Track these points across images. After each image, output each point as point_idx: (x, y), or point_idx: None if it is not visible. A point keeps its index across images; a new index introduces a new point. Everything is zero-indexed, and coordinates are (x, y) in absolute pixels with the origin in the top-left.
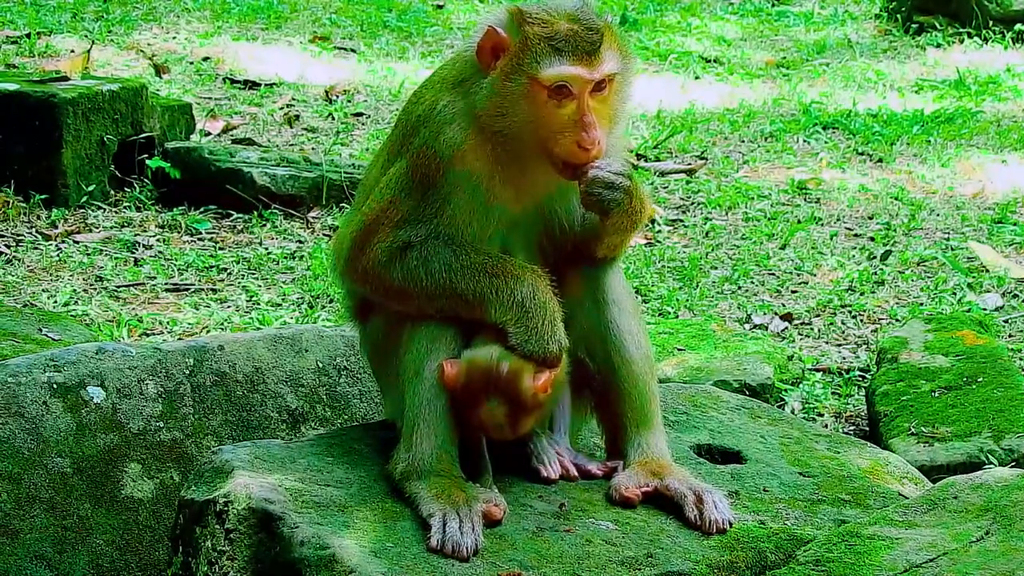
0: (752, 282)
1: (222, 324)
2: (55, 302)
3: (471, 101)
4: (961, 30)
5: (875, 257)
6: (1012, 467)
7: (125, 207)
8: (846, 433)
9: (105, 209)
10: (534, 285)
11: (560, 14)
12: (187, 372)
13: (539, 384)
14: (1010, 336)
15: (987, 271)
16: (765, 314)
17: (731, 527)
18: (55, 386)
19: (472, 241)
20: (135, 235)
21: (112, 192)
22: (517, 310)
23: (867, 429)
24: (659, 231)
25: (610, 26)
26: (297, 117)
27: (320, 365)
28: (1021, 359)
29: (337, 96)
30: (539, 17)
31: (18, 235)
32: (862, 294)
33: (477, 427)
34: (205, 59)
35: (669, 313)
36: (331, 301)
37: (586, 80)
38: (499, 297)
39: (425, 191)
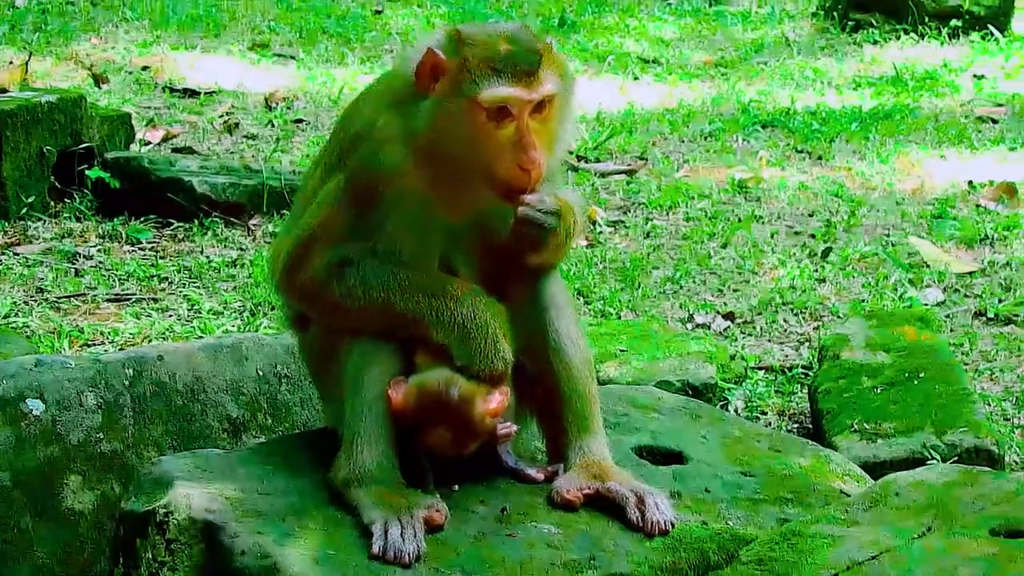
0: (694, 281)
1: (164, 333)
2: None
3: (409, 123)
4: (897, 26)
5: (816, 254)
6: (954, 462)
7: (65, 218)
8: (789, 431)
9: (45, 220)
10: (474, 305)
11: (499, 36)
12: (126, 383)
13: (491, 408)
14: (951, 331)
15: (928, 266)
16: (707, 313)
17: (673, 528)
18: None
19: (411, 257)
20: (76, 246)
21: (52, 203)
22: (459, 332)
23: (810, 427)
24: (600, 232)
25: (549, 47)
26: (237, 125)
27: (261, 373)
28: (963, 354)
29: (277, 103)
30: (478, 39)
31: None
32: (804, 292)
33: (423, 445)
34: (144, 68)
35: (611, 314)
36: (273, 308)
37: (525, 101)
38: (439, 319)
39: (363, 207)
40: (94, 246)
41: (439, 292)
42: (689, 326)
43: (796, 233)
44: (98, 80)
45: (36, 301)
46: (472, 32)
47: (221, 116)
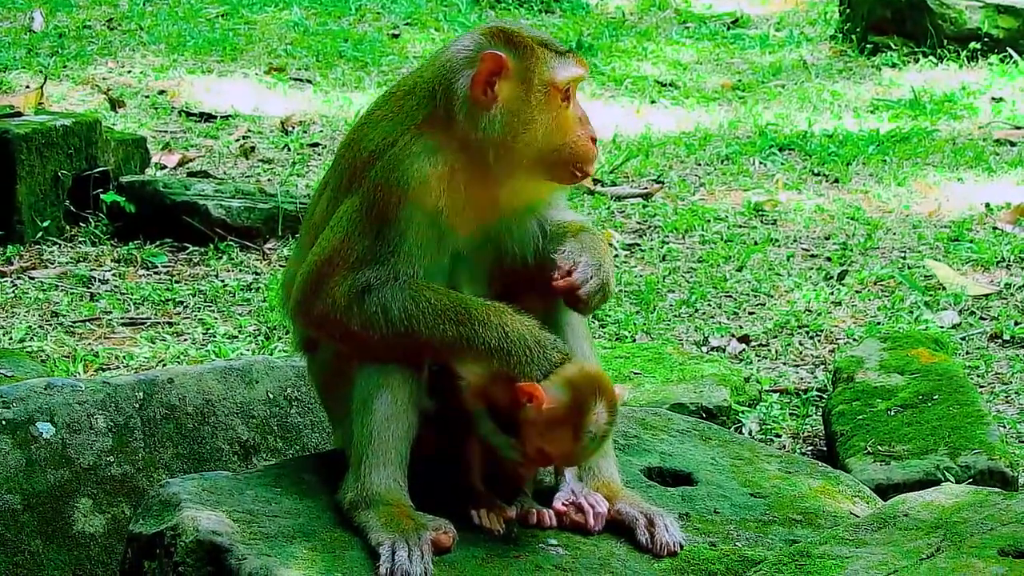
0: (709, 305)
1: (178, 357)
2: (10, 339)
3: (450, 136)
4: (916, 49)
5: (832, 277)
6: (968, 484)
7: (80, 242)
8: (804, 454)
9: (60, 244)
10: (502, 324)
11: (522, 28)
12: (137, 406)
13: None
14: (967, 353)
15: (944, 289)
16: (722, 336)
17: (682, 549)
18: (4, 422)
19: (428, 276)
20: (91, 270)
21: (67, 227)
22: (499, 355)
23: (824, 449)
24: (616, 255)
25: None
26: (253, 149)
27: (271, 396)
28: (978, 376)
29: (293, 127)
30: (521, 30)
31: None
32: (819, 314)
33: (541, 457)
34: (160, 92)
35: (626, 337)
36: (287, 332)
37: (583, 76)
38: (471, 346)
39: (380, 228)
40: (109, 270)
41: (464, 318)
42: (704, 349)
43: (812, 256)
44: (114, 104)
45: (51, 325)
46: (513, 25)
47: (237, 140)
